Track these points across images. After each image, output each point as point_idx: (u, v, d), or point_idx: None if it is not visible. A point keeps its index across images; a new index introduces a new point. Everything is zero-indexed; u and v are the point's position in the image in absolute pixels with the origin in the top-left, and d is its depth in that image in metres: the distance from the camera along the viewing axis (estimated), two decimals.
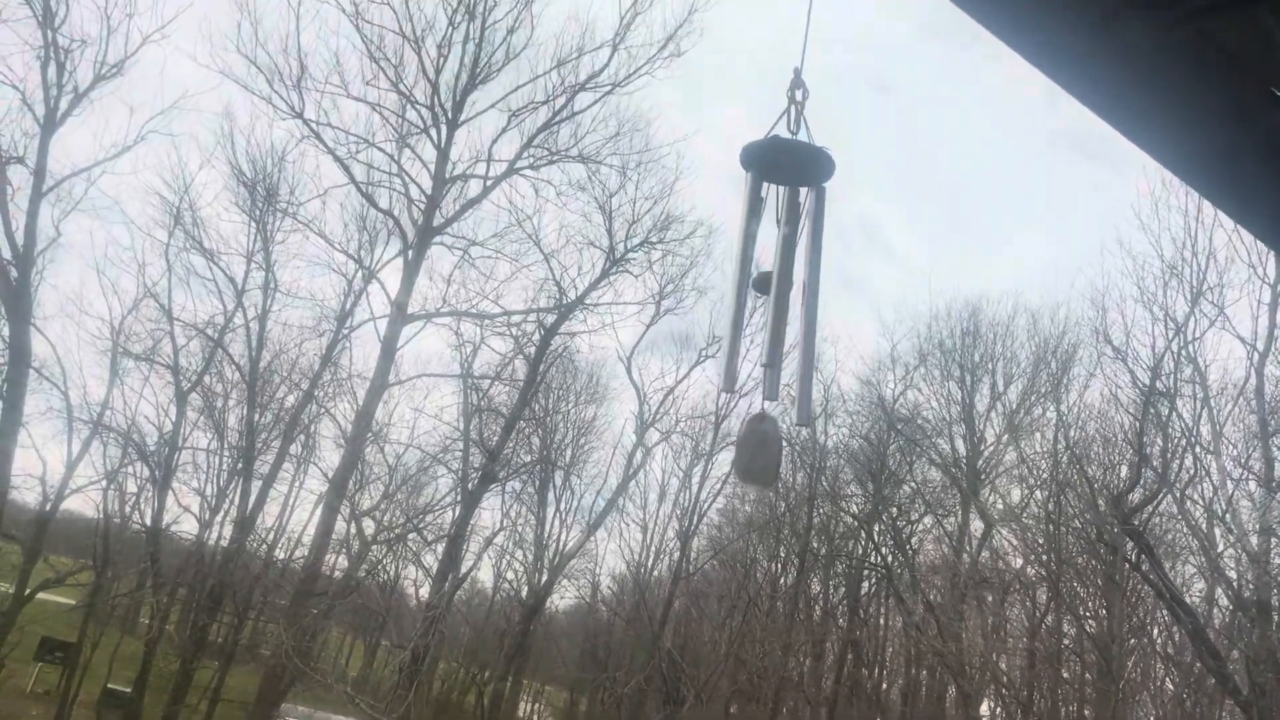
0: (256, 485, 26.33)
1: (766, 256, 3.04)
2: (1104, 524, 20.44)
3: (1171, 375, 18.54)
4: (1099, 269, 54.20)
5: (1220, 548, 19.52)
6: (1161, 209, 18.34)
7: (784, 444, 3.05)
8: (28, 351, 21.18)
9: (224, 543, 26.63)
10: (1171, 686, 23.84)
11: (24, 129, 20.61)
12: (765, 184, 2.99)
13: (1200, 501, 19.62)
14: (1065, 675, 26.09)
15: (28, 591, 23.84)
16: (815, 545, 34.96)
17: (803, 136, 2.98)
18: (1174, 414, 18.87)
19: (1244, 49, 2.34)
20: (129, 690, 25.24)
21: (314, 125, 22.98)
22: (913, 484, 33.08)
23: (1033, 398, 29.71)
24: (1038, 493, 26.85)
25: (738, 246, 2.97)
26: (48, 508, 25.63)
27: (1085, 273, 49.95)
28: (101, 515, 27.27)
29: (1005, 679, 25.27)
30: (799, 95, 2.98)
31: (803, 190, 2.98)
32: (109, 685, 27.82)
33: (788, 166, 2.99)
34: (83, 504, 31.51)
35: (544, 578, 33.49)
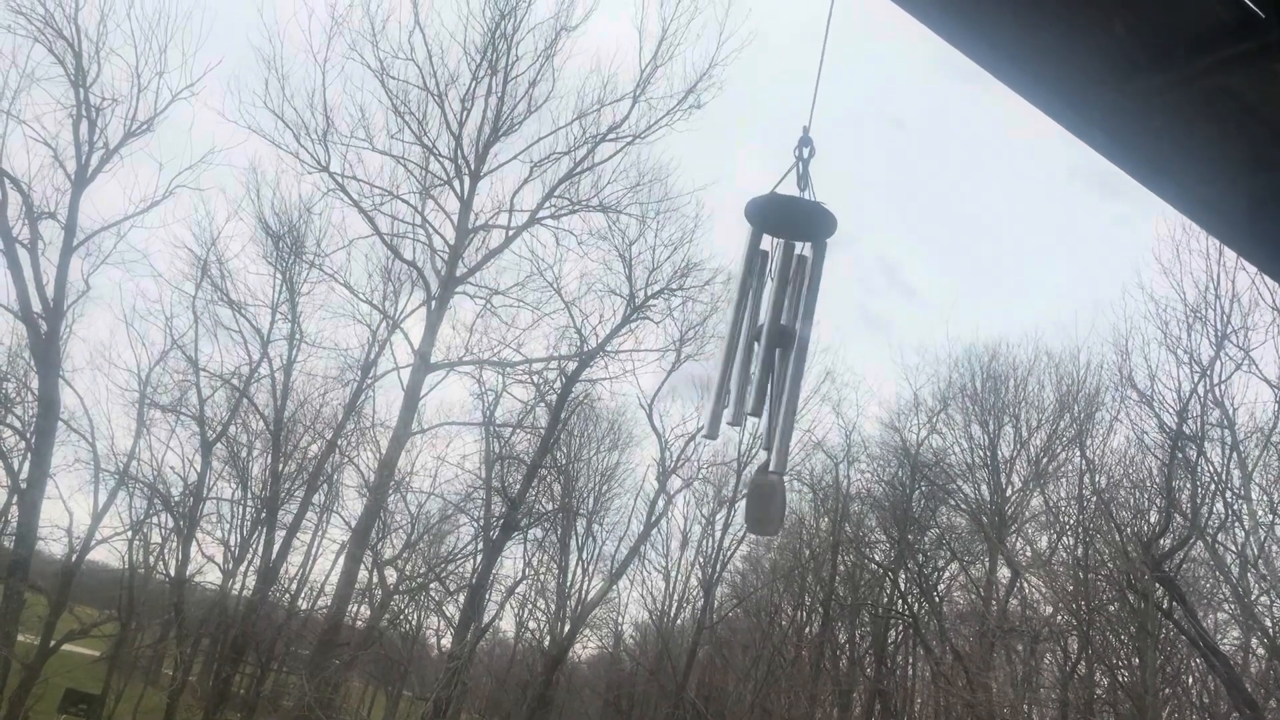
0: (280, 535, 26.41)
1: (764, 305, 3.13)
2: (1134, 571, 20.12)
3: (1199, 419, 18.35)
4: (1120, 312, 53.92)
5: (1254, 594, 19.18)
6: (1183, 252, 18.28)
7: (785, 495, 3.14)
8: (56, 403, 21.45)
9: (247, 593, 26.62)
10: None
11: (56, 185, 21.11)
12: (766, 237, 3.10)
13: (1232, 547, 19.32)
14: None
15: (53, 643, 23.87)
16: (840, 593, 34.57)
17: (807, 192, 3.08)
18: (1202, 458, 18.65)
19: (1261, 100, 2.38)
20: None
21: (339, 178, 23.42)
22: (937, 530, 32.74)
23: (1058, 444, 29.44)
24: (1065, 539, 26.51)
25: (734, 297, 3.07)
26: (73, 559, 25.76)
27: (1107, 315, 49.68)
28: (127, 566, 27.37)
29: None
30: (805, 153, 3.07)
31: (802, 245, 3.07)
32: None
33: (790, 222, 3.08)
34: (108, 555, 31.73)
35: (566, 627, 33.24)
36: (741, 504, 32.86)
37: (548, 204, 24.58)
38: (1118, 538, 20.90)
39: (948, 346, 66.03)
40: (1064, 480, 28.30)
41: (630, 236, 24.79)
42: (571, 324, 25.35)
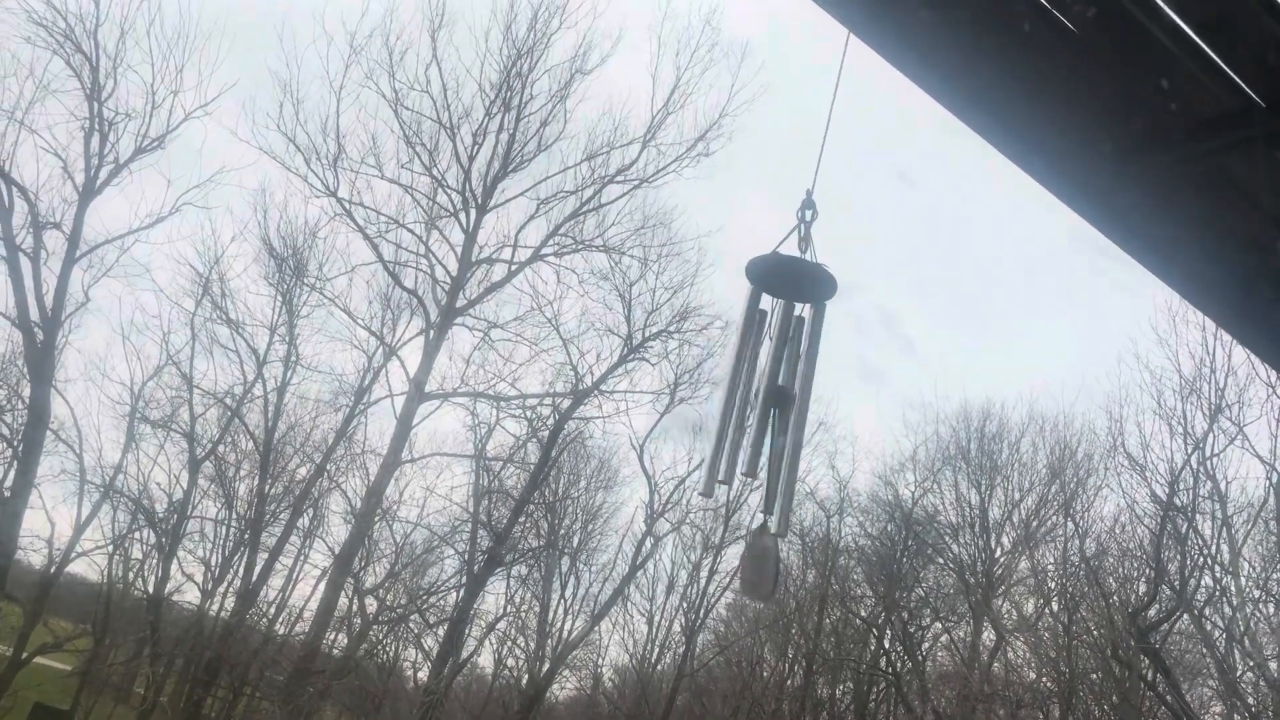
0: (262, 557, 26.19)
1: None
2: (1119, 640, 19.99)
3: (1190, 490, 18.33)
4: (1115, 379, 54.02)
5: (1239, 670, 19.03)
6: (1179, 323, 18.38)
7: (779, 559, 3.11)
8: (47, 413, 21.37)
9: (225, 614, 26.34)
10: None
11: (63, 196, 21.17)
12: (766, 297, 3.13)
13: (1219, 622, 19.20)
14: None
15: (25, 655, 23.58)
16: (824, 647, 34.27)
17: (809, 253, 3.10)
18: (1192, 530, 18.60)
19: (1258, 185, 2.41)
20: None
21: (347, 204, 23.57)
22: (923, 590, 32.55)
23: (1046, 509, 29.38)
24: (1052, 604, 26.36)
25: (732, 356, 3.08)
26: (52, 570, 25.51)
27: (1101, 381, 49.74)
28: (105, 580, 27.11)
29: None
30: (807, 215, 3.10)
31: (802, 306, 3.09)
32: None
33: (791, 283, 3.11)
34: (87, 568, 31.33)
35: (545, 666, 32.87)
36: (728, 551, 32.73)
37: (551, 241, 24.74)
38: (1104, 606, 20.79)
39: (938, 405, 66.03)
40: (1052, 545, 28.22)
41: (631, 277, 24.92)
42: (568, 361, 25.40)
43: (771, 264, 3.07)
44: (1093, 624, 22.55)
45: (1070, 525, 25.60)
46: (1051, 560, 27.54)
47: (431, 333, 24.10)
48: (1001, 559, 30.84)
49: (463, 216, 24.54)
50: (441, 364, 26.38)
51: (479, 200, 24.39)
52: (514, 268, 24.78)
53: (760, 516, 2.99)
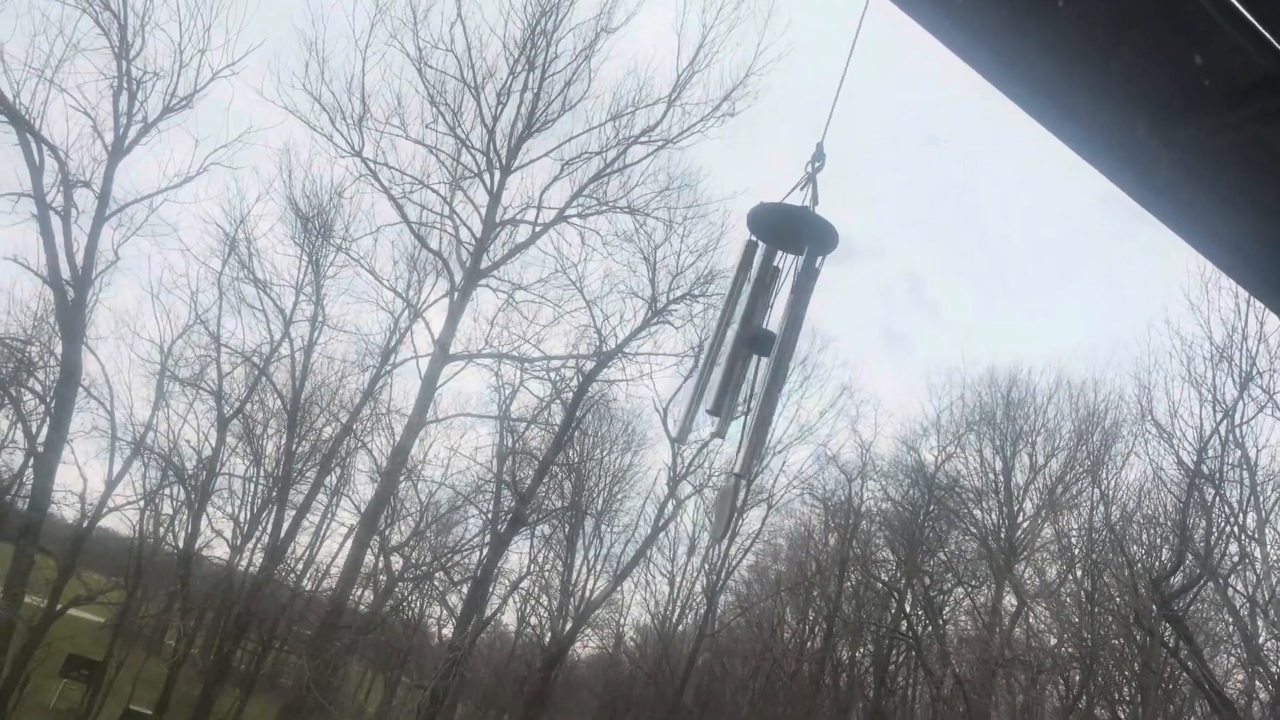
0: (290, 514, 26.55)
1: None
2: (1143, 608, 19.95)
3: (1218, 458, 18.17)
4: (1144, 346, 53.44)
5: (1263, 638, 18.97)
6: (1212, 290, 18.10)
7: (736, 500, 3.19)
8: (78, 370, 21.64)
9: (254, 570, 26.77)
10: None
11: (93, 155, 21.29)
12: (764, 247, 3.15)
13: (1243, 590, 19.11)
14: None
15: (59, 607, 24.10)
16: (845, 610, 34.44)
17: (812, 204, 3.10)
18: (1219, 498, 18.46)
19: None
20: (150, 712, 25.32)
21: (372, 164, 23.52)
22: (945, 554, 32.57)
23: (1072, 474, 29.22)
24: (1075, 571, 26.32)
25: (724, 303, 3.09)
26: (85, 525, 26.01)
27: (1130, 347, 49.19)
28: (136, 535, 27.61)
29: None
30: (814, 167, 3.11)
31: (799, 256, 3.09)
32: (131, 706, 27.93)
33: (793, 233, 3.11)
34: (119, 523, 31.96)
35: (568, 625, 33.25)
36: (750, 514, 32.86)
37: (576, 202, 24.62)
38: (1128, 573, 20.74)
39: (964, 370, 65.67)
40: (1076, 511, 28.11)
41: (656, 240, 24.77)
42: (592, 323, 25.37)
43: (770, 213, 3.09)
44: (1116, 591, 22.50)
45: (1096, 492, 25.46)
46: (1075, 526, 27.46)
47: (456, 294, 24.13)
48: (1024, 525, 30.77)
49: (487, 177, 24.47)
50: (466, 325, 26.54)
51: (503, 161, 24.30)
52: (538, 229, 24.73)
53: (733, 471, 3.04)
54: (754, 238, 3.13)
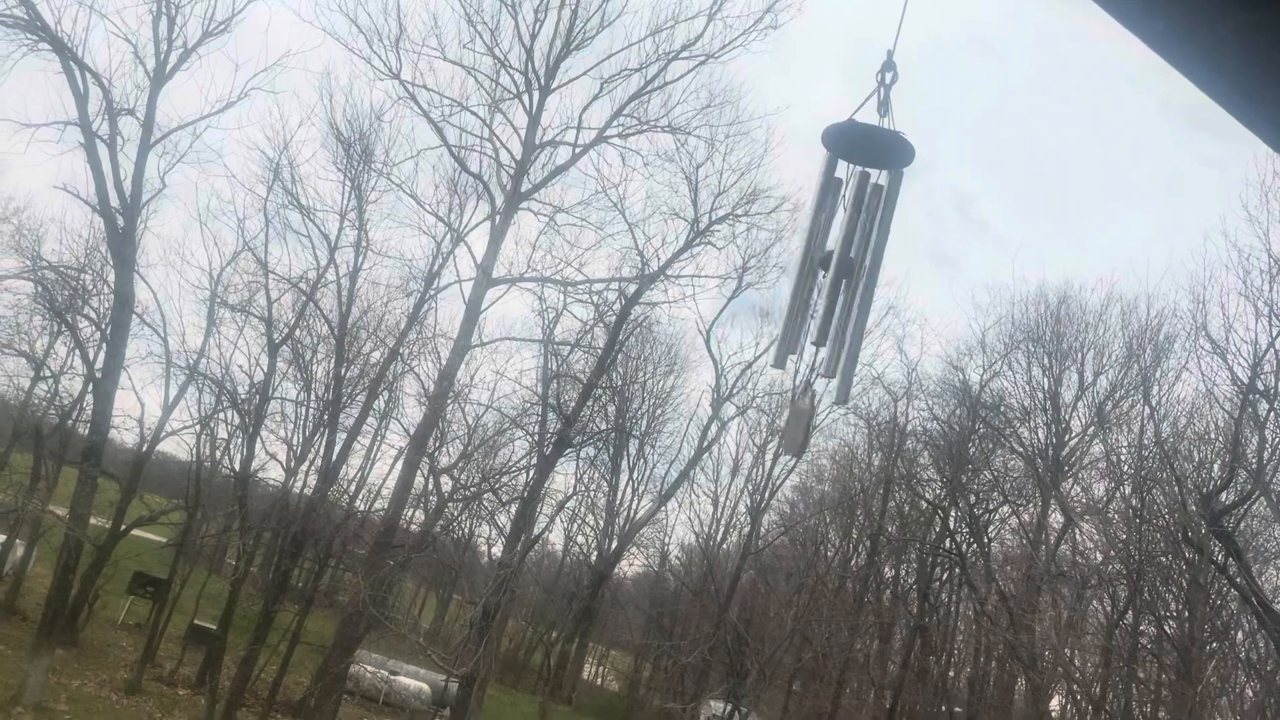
0: (341, 437, 27.08)
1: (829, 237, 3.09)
2: (1191, 523, 19.83)
3: (1274, 373, 17.84)
4: (1200, 259, 52.19)
5: None
6: (1272, 199, 17.54)
7: (810, 418, 3.14)
8: (131, 297, 22.05)
9: (308, 491, 27.45)
10: (1252, 694, 23.11)
11: (135, 82, 21.37)
12: (843, 166, 3.05)
13: None
14: (1141, 675, 25.47)
15: (123, 527, 24.94)
16: (889, 529, 34.64)
17: (887, 119, 2.99)
18: (1272, 413, 18.17)
19: None
20: (214, 627, 26.31)
21: (410, 87, 23.33)
22: (991, 473, 32.49)
23: (1122, 390, 28.84)
24: (1123, 488, 26.15)
25: (806, 225, 3.01)
26: (144, 449, 26.77)
27: (1185, 261, 48.13)
28: (194, 458, 28.38)
29: (1078, 675, 24.78)
30: (888, 78, 2.97)
31: (878, 174, 3.01)
32: (195, 621, 29.04)
33: (868, 150, 3.01)
34: (176, 447, 32.93)
35: (614, 544, 33.86)
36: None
37: (616, 122, 24.28)
38: (1177, 489, 20.57)
39: (1012, 287, 64.56)
40: (1126, 428, 27.82)
41: (697, 159, 24.44)
42: (634, 245, 25.25)
43: (848, 130, 2.98)
44: (1164, 507, 22.36)
45: (1146, 408, 25.14)
46: (1124, 443, 27.20)
47: (497, 218, 24.07)
48: (1072, 442, 30.55)
49: (526, 98, 24.18)
50: (508, 249, 26.52)
51: (541, 81, 23.98)
52: (578, 150, 24.47)
53: (805, 381, 3.01)
54: (832, 156, 3.03)
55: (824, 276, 2.94)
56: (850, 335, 2.90)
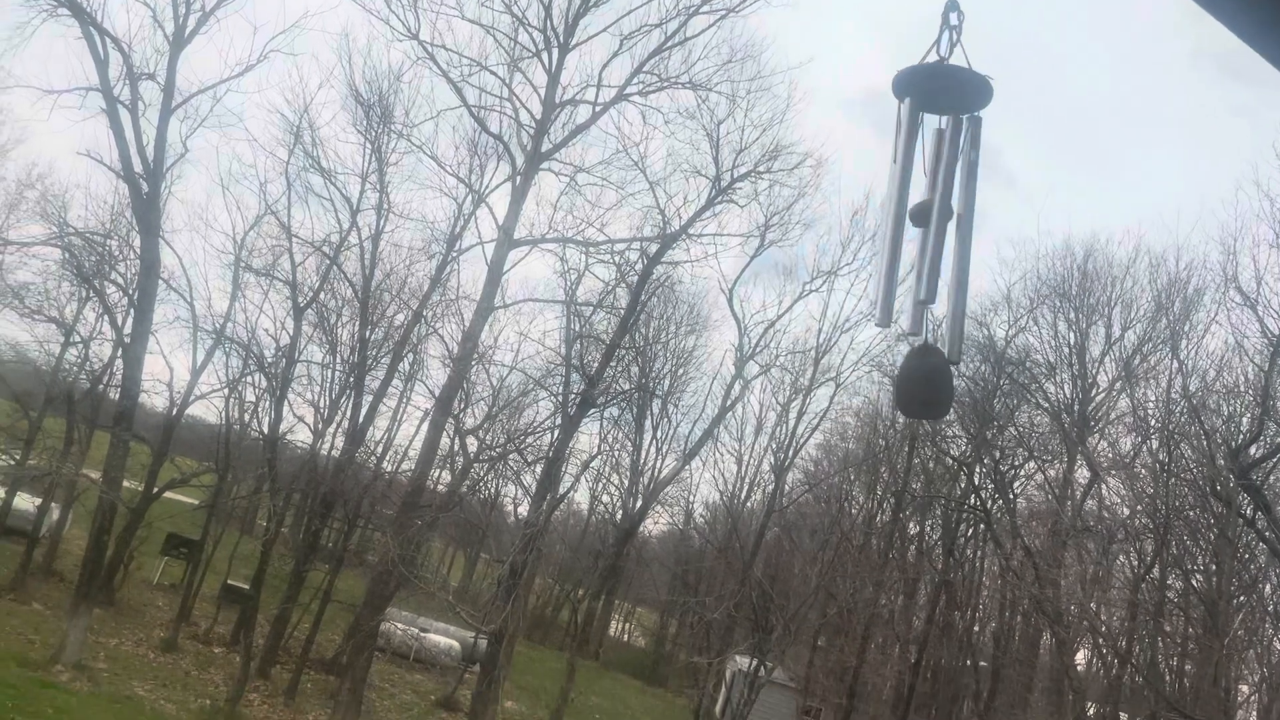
0: (367, 399, 27.32)
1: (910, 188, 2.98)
2: (1220, 477, 19.71)
3: None
4: (1231, 210, 51.32)
5: None
6: None
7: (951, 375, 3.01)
8: (157, 262, 22.20)
9: (335, 453, 27.74)
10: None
11: (155, 46, 21.38)
12: (919, 113, 2.90)
13: None
14: (1167, 629, 25.49)
15: (155, 490, 25.34)
16: (914, 485, 34.63)
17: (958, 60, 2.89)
18: None
19: None
20: (247, 587, 26.77)
21: (429, 47, 23.17)
22: (1016, 429, 32.34)
23: (1150, 344, 28.55)
24: (1150, 442, 25.99)
25: (896, 178, 2.89)
26: (174, 412, 27.10)
27: (1216, 212, 47.20)
28: (223, 421, 28.72)
29: (1104, 629, 24.82)
30: (953, 19, 2.87)
31: (955, 119, 2.91)
32: (228, 581, 29.55)
33: (944, 94, 2.90)
34: (205, 411, 33.28)
35: (638, 503, 34.06)
36: (818, 392, 32.83)
37: (636, 80, 24.02)
38: (1205, 443, 20.42)
39: (1038, 241, 63.77)
40: (1154, 382, 27.59)
41: (719, 116, 24.15)
42: (655, 204, 25.08)
43: (919, 74, 2.86)
44: (1192, 461, 22.22)
45: (1174, 362, 24.90)
46: (1152, 398, 26.99)
47: (518, 178, 23.97)
48: (1098, 398, 30.34)
49: (545, 56, 23.95)
50: (530, 210, 26.43)
51: (561, 38, 23.74)
52: (598, 109, 24.26)
53: (914, 339, 2.92)
54: (913, 103, 2.88)
55: (925, 229, 2.84)
56: (956, 289, 2.84)
